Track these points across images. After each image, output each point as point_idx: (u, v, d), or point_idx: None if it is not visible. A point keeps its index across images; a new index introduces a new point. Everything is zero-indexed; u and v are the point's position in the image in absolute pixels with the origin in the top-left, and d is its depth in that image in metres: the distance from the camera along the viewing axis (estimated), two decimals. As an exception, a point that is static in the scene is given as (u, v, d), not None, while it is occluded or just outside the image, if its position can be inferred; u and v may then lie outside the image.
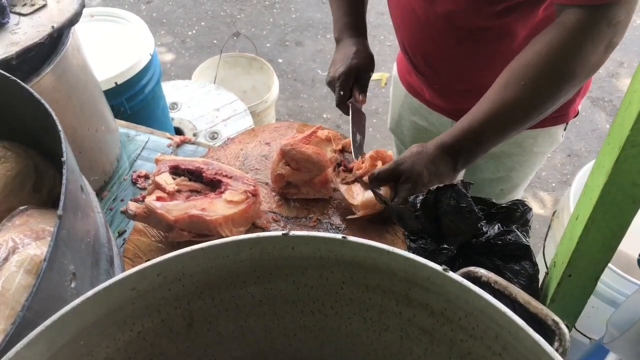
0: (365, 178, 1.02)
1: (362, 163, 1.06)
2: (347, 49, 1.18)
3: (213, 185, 1.02)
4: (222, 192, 0.98)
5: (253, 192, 0.99)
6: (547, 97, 0.86)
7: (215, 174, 1.02)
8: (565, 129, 1.26)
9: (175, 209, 0.94)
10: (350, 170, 1.08)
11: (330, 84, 1.18)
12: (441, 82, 1.20)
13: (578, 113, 1.25)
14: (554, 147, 1.31)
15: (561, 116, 1.22)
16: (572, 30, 0.81)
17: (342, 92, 1.14)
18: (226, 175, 1.01)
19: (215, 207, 0.95)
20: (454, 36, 1.05)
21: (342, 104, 1.15)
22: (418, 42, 1.15)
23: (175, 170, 1.03)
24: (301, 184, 1.07)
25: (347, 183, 1.06)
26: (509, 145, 1.27)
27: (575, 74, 0.83)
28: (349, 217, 1.03)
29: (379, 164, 1.04)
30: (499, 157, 1.31)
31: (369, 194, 0.99)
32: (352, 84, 1.16)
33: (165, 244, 1.01)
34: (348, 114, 1.14)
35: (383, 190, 0.98)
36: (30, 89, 0.67)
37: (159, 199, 0.96)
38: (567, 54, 0.82)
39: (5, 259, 0.60)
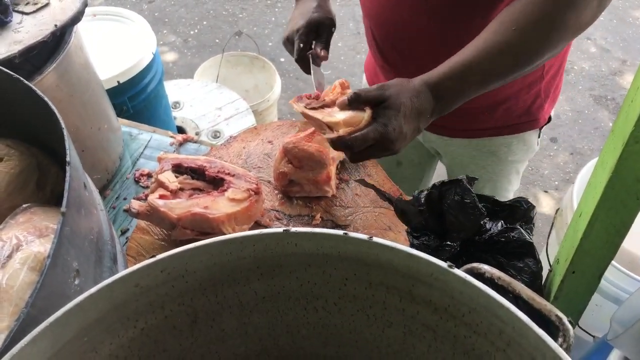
0: (339, 102, 0.94)
1: (332, 91, 1.01)
2: (307, 5, 1.15)
3: (216, 183, 1.02)
4: (225, 190, 0.98)
5: (256, 190, 0.99)
6: (536, 44, 0.84)
7: (218, 172, 1.02)
8: (539, 136, 1.25)
9: (178, 207, 0.94)
10: (316, 98, 1.02)
11: (288, 39, 1.14)
12: (408, 69, 1.14)
13: (550, 119, 1.24)
14: (529, 155, 1.29)
15: (532, 121, 1.21)
16: None
17: (301, 45, 1.10)
18: (229, 174, 1.01)
19: (218, 205, 0.95)
20: (424, 13, 1.03)
21: (302, 58, 1.12)
22: (387, 23, 1.12)
23: (178, 169, 1.03)
24: (303, 182, 1.07)
25: (313, 108, 0.99)
26: (483, 154, 1.26)
27: (568, 25, 0.82)
28: (328, 135, 0.92)
29: (349, 93, 0.97)
30: (472, 171, 1.29)
31: (350, 113, 0.91)
32: (312, 38, 1.12)
33: (168, 242, 1.01)
34: (308, 71, 1.11)
35: (360, 115, 0.90)
36: (34, 87, 0.68)
37: (161, 197, 0.96)
38: (560, 3, 0.81)
39: (9, 256, 0.60)
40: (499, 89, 1.13)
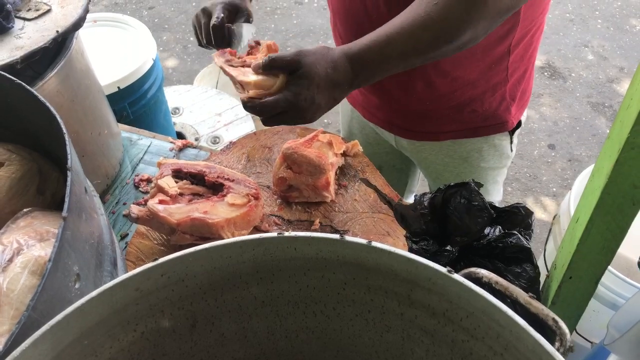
0: (254, 65, 0.93)
1: (255, 53, 1.01)
2: None
3: (215, 188, 1.02)
4: (225, 196, 0.99)
5: (255, 195, 1.00)
6: (455, 21, 0.83)
7: (218, 177, 1.02)
8: (512, 142, 1.24)
9: (178, 212, 0.94)
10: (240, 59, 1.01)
11: (198, 17, 1.10)
12: None
13: (520, 124, 1.23)
14: (504, 162, 1.28)
15: (500, 124, 1.20)
16: None
17: (217, 17, 1.05)
18: (228, 179, 1.02)
19: (217, 210, 0.95)
20: (384, 4, 1.02)
21: (219, 30, 1.05)
22: (349, 15, 1.11)
23: (178, 174, 1.04)
24: (303, 187, 1.08)
25: (232, 66, 0.98)
26: (455, 160, 1.26)
27: (487, 3, 0.82)
28: (242, 95, 0.91)
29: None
30: (447, 178, 1.29)
31: (263, 77, 0.91)
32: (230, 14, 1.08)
33: (168, 247, 1.02)
34: (220, 42, 1.06)
35: (273, 80, 0.90)
36: (36, 92, 0.68)
37: (161, 202, 0.97)
38: None
39: (10, 260, 0.60)
40: (462, 90, 1.12)
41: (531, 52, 1.13)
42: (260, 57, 0.97)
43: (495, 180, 1.32)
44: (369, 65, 0.87)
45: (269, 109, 0.87)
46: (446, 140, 1.23)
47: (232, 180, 1.02)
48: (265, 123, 0.92)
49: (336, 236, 0.51)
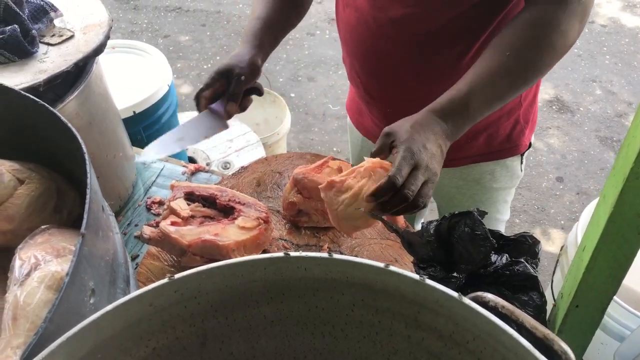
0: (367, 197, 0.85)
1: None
2: (234, 52, 1.11)
3: (226, 211, 1.04)
4: (235, 218, 1.00)
5: (265, 219, 1.01)
6: (530, 65, 0.90)
7: (229, 200, 1.04)
8: (522, 162, 1.28)
9: (189, 233, 0.96)
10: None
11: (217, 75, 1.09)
12: (393, 103, 1.18)
13: (530, 146, 1.27)
14: (514, 182, 1.31)
15: (513, 147, 1.24)
16: (547, 7, 0.88)
17: (202, 87, 1.06)
18: (239, 202, 1.04)
19: (227, 233, 0.97)
20: (405, 44, 1.06)
21: (197, 99, 1.07)
22: (369, 56, 1.13)
23: (190, 197, 1.06)
24: (312, 212, 1.09)
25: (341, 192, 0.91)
26: (468, 183, 1.28)
27: (555, 46, 0.88)
28: (367, 195, 0.84)
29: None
30: (460, 201, 1.31)
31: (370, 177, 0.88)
32: (222, 85, 1.07)
33: (178, 268, 1.03)
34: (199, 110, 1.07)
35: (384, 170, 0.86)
36: (58, 113, 0.71)
37: (173, 223, 0.98)
38: (546, 29, 0.87)
39: (28, 275, 0.62)
40: None
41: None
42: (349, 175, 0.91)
43: (505, 200, 1.34)
44: (456, 117, 0.89)
45: (399, 174, 0.80)
46: (461, 166, 1.26)
47: (243, 204, 1.04)
48: (402, 200, 0.82)
49: (346, 257, 0.52)
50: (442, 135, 0.88)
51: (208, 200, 1.06)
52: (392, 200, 0.82)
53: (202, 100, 1.06)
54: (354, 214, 0.88)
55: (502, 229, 1.40)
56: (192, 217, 1.02)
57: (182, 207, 1.02)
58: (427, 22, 1.01)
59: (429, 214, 1.45)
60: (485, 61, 0.90)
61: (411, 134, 0.85)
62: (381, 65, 1.13)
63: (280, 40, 1.20)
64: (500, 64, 0.88)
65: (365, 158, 0.92)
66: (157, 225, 1.07)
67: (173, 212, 1.01)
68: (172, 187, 1.08)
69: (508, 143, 1.22)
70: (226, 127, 1.09)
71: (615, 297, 0.95)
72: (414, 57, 1.08)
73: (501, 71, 0.89)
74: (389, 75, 1.14)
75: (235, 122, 2.21)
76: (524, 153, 1.26)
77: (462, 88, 0.89)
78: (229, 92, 1.07)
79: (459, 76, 0.91)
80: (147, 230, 0.99)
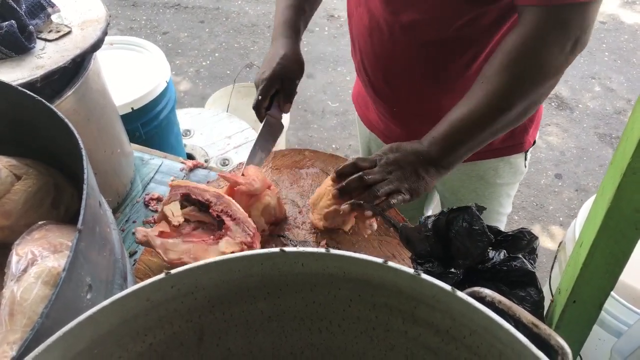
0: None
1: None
2: (277, 49, 1.15)
3: (219, 220, 1.01)
4: (220, 238, 0.97)
5: (249, 245, 0.97)
6: (505, 90, 0.88)
7: (221, 211, 1.00)
8: (526, 159, 1.28)
9: (173, 249, 0.93)
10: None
11: (256, 85, 1.17)
12: (400, 102, 1.20)
13: (535, 143, 1.27)
14: (517, 177, 1.32)
15: (517, 145, 1.24)
16: (529, 31, 0.85)
17: (260, 98, 1.13)
18: (230, 216, 0.99)
19: (208, 256, 0.93)
20: (415, 48, 1.06)
21: (258, 110, 1.15)
22: (379, 58, 1.14)
23: (187, 198, 1.03)
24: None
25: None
26: (472, 178, 1.29)
27: (532, 75, 0.86)
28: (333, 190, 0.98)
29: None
30: (463, 195, 1.33)
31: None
32: (274, 90, 1.14)
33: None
34: (261, 121, 1.15)
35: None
36: (55, 109, 0.71)
37: (161, 234, 0.97)
38: (525, 55, 0.85)
39: (24, 270, 0.62)
40: None
41: None
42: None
43: (508, 194, 1.35)
44: (446, 151, 0.94)
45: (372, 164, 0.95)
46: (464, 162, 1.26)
47: (234, 219, 0.99)
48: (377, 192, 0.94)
49: (343, 252, 0.52)
50: (430, 157, 0.94)
51: (204, 205, 1.03)
52: (352, 182, 0.93)
53: (262, 111, 1.15)
54: (335, 213, 1.01)
55: (503, 222, 1.41)
56: (187, 220, 1.00)
57: (175, 212, 1.00)
58: (437, 29, 1.02)
59: (437, 208, 1.46)
60: (471, 96, 0.92)
61: (394, 147, 0.94)
62: (390, 67, 1.14)
63: (309, 21, 1.25)
64: (481, 92, 0.90)
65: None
66: (154, 222, 1.06)
67: (164, 218, 1.00)
68: (171, 187, 1.07)
69: (511, 140, 1.22)
70: (283, 126, 1.19)
71: (612, 293, 0.95)
72: (423, 62, 1.09)
73: (482, 109, 0.90)
74: (397, 77, 1.15)
75: (234, 119, 2.21)
76: (528, 150, 1.26)
77: (452, 121, 0.92)
78: (285, 94, 1.15)
79: (466, 81, 0.92)
80: (139, 234, 0.97)
